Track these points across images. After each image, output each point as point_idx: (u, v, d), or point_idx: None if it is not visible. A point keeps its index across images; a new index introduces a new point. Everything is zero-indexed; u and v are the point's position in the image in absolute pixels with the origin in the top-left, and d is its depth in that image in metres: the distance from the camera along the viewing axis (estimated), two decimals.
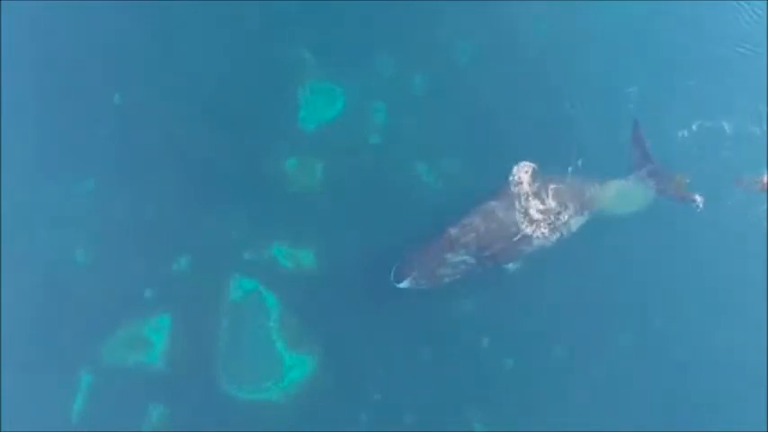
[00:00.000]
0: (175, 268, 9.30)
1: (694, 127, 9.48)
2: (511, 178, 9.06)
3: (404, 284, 8.64)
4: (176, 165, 9.61)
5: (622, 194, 9.33)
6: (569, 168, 9.25)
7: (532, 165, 9.08)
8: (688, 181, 9.18)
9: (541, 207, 8.92)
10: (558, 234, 8.95)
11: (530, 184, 9.00)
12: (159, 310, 9.18)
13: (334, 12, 10.03)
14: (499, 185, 9.08)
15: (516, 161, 9.14)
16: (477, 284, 9.01)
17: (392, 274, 8.65)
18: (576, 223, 9.05)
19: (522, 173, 9.06)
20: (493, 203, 8.94)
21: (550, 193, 9.00)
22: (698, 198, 9.12)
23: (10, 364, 8.87)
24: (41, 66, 9.80)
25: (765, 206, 9.30)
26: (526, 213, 8.87)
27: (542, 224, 8.87)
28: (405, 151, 9.71)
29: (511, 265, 8.99)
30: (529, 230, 8.83)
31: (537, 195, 8.96)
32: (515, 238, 8.80)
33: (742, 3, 9.97)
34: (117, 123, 9.71)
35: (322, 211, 9.51)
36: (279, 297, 9.21)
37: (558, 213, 8.93)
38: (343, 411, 8.79)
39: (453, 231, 8.74)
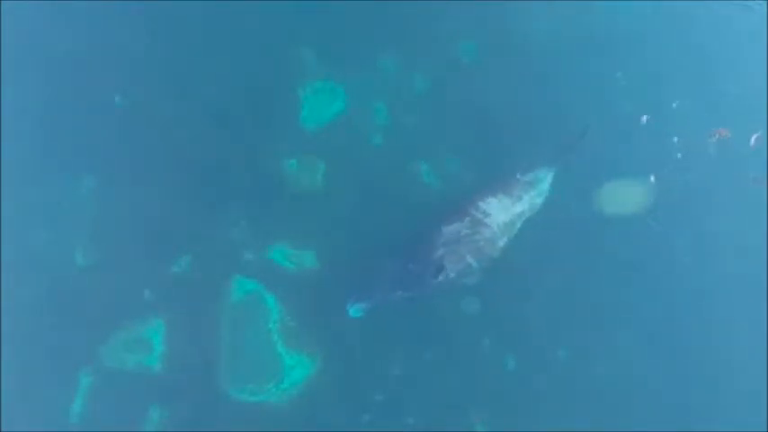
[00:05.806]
0: (175, 269, 9.24)
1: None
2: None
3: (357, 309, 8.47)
4: (177, 165, 9.52)
5: (622, 194, 9.36)
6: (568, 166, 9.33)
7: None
8: (727, 136, 9.23)
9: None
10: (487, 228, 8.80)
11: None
12: (159, 311, 9.08)
13: (335, 11, 10.01)
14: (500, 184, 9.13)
15: (518, 161, 9.20)
16: (478, 285, 8.99)
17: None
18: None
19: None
20: None
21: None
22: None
23: (9, 365, 8.74)
24: (41, 66, 9.71)
25: (766, 204, 9.37)
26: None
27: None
28: (406, 151, 9.71)
29: (441, 276, 8.58)
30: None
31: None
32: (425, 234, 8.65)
33: (741, 2, 10.05)
34: (117, 123, 9.62)
35: (323, 212, 9.47)
36: (280, 298, 9.14)
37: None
38: (344, 412, 8.72)
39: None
